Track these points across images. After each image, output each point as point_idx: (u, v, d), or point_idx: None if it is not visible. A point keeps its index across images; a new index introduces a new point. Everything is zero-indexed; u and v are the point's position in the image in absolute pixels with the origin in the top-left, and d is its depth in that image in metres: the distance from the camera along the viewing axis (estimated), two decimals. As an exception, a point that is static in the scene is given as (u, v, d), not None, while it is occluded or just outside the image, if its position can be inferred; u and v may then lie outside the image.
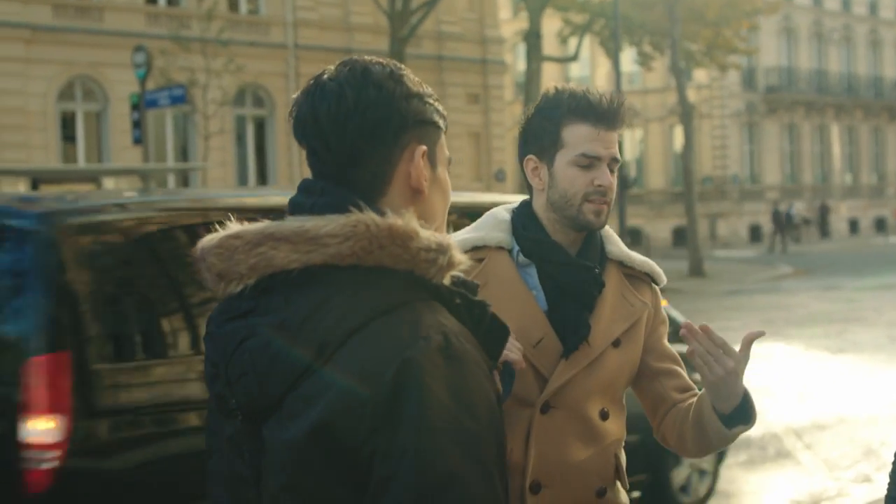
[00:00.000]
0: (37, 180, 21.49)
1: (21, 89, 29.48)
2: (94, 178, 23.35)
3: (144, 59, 24.99)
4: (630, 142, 56.97)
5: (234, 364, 1.80)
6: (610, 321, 2.96)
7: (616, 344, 2.97)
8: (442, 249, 1.81)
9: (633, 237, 46.80)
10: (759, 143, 58.06)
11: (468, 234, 3.02)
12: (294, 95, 1.95)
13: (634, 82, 55.94)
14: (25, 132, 29.51)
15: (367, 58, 1.94)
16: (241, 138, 34.81)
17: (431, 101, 1.95)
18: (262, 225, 1.82)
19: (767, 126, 58.31)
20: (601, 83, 54.19)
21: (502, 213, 3.07)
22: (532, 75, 33.31)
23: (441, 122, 1.97)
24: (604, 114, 2.90)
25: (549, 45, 41.95)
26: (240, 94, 33.84)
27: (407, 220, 1.80)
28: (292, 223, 1.80)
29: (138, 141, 25.43)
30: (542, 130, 2.96)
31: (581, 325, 2.91)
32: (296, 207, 1.88)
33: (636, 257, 3.07)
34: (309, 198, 1.87)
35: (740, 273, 35.01)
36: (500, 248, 2.98)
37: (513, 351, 2.68)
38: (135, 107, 25.51)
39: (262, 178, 35.09)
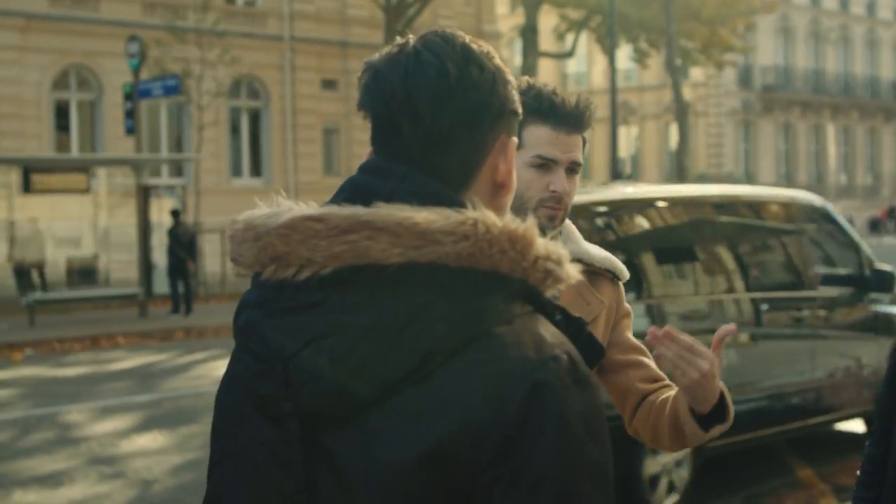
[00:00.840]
0: (28, 169, 21.41)
1: (16, 78, 29.40)
2: (86, 167, 23.25)
3: (138, 49, 24.94)
4: (626, 139, 56.95)
5: (301, 364, 1.56)
6: None
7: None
8: (559, 261, 1.63)
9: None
10: (754, 142, 58.11)
11: None
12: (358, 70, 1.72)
13: (631, 79, 56.00)
14: (20, 121, 29.43)
15: (451, 31, 1.72)
16: (235, 129, 34.73)
17: (517, 88, 1.76)
18: (353, 210, 1.57)
19: (763, 125, 58.33)
20: (597, 79, 54.25)
21: None
22: (528, 71, 33.23)
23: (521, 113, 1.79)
24: (565, 117, 2.85)
25: (546, 41, 41.92)
26: (235, 86, 33.74)
27: (527, 226, 1.60)
28: (394, 212, 1.55)
29: (131, 131, 25.35)
30: None
31: None
32: (363, 191, 1.63)
33: (596, 254, 3.03)
34: (386, 182, 1.63)
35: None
36: None
37: None
38: (128, 97, 25.43)
39: (256, 170, 35.02)
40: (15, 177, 21.98)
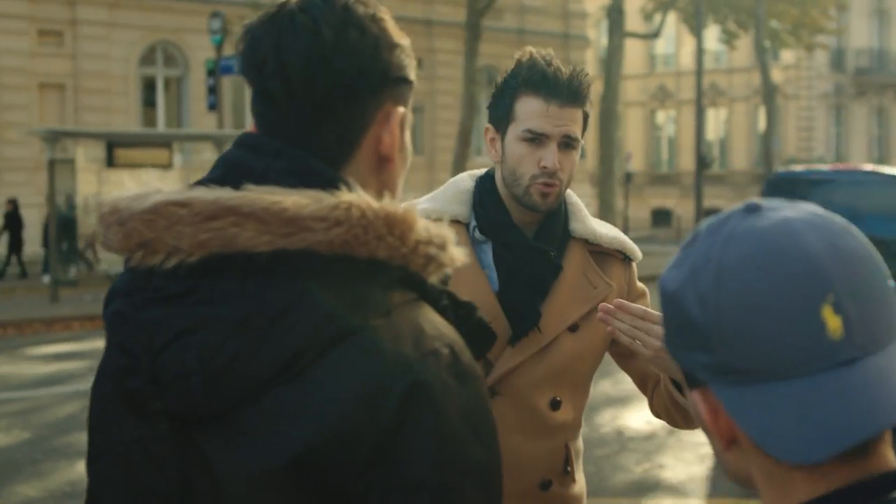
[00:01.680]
0: (112, 144, 21.66)
1: (104, 53, 29.77)
2: (168, 143, 23.47)
3: (220, 26, 25.12)
4: (714, 121, 56.29)
5: (168, 360, 1.45)
6: (566, 305, 2.80)
7: (573, 329, 2.80)
8: (442, 244, 1.52)
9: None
10: (846, 126, 57.08)
11: (426, 203, 2.86)
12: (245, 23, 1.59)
13: (720, 61, 55.28)
14: (107, 96, 29.81)
15: None
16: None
17: (409, 52, 1.62)
18: (219, 193, 1.45)
19: (856, 108, 57.26)
20: (685, 61, 53.67)
21: (465, 183, 2.91)
22: (614, 51, 32.95)
23: (415, 80, 1.65)
24: (557, 88, 2.71)
25: (633, 21, 41.49)
26: (320, 63, 33.85)
27: (406, 208, 1.50)
28: (262, 197, 1.44)
29: (213, 107, 25.58)
30: (499, 100, 2.80)
31: (530, 311, 2.76)
32: (237, 168, 1.52)
33: (604, 234, 2.88)
34: (259, 158, 1.52)
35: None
36: (457, 221, 2.81)
37: None
38: (210, 73, 25.66)
39: (340, 148, 35.13)
40: (101, 152, 22.24)
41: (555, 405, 2.79)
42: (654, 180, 57.17)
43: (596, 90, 35.57)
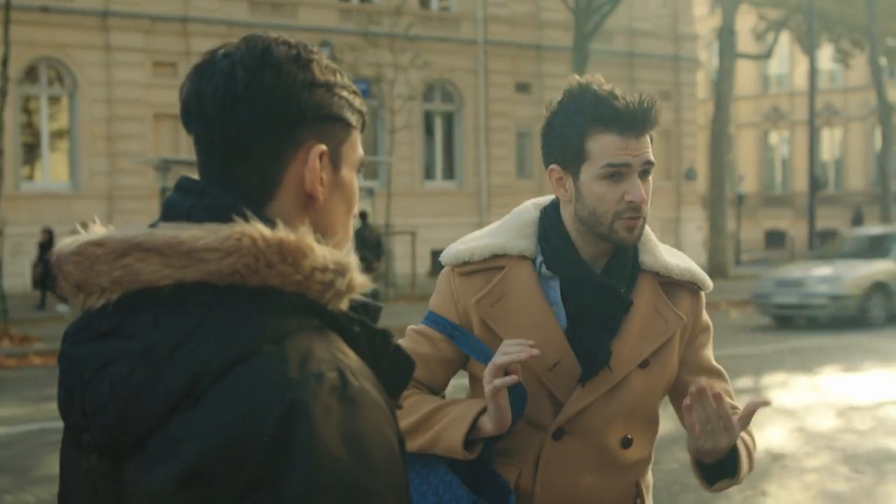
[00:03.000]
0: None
1: (216, 83, 30.28)
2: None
3: (329, 54, 25.43)
4: (829, 141, 55.39)
5: (90, 393, 1.51)
6: (637, 342, 2.71)
7: (643, 365, 2.72)
8: (341, 270, 1.55)
9: (827, 240, 45.37)
10: (967, 145, 55.68)
11: (488, 238, 2.79)
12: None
13: (835, 80, 54.43)
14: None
15: (274, 35, 1.65)
16: (429, 132, 35.07)
17: (345, 93, 1.65)
18: (130, 232, 1.53)
19: (976, 127, 55.86)
20: (799, 81, 52.90)
21: (529, 214, 2.82)
22: (725, 73, 32.66)
23: (353, 119, 1.67)
24: (632, 121, 2.60)
25: (745, 42, 41.11)
26: (429, 89, 34.13)
27: (301, 235, 1.53)
28: (165, 232, 1.51)
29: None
30: (564, 139, 2.67)
31: (600, 349, 2.67)
32: (171, 210, 1.59)
33: (675, 266, 2.78)
34: (187, 199, 1.59)
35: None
36: (523, 256, 2.75)
37: (512, 354, 2.50)
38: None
39: (449, 173, 35.27)
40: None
41: (626, 443, 2.73)
42: (768, 202, 56.38)
43: (707, 112, 35.30)
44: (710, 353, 2.86)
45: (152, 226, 1.57)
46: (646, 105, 2.62)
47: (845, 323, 20.79)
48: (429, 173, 34.88)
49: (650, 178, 2.68)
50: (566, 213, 2.74)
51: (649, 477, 2.86)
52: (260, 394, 1.43)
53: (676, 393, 2.83)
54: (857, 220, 49.84)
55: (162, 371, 1.46)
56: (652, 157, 2.66)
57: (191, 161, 23.71)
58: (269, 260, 1.49)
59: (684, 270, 2.79)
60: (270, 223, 1.54)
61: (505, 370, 2.52)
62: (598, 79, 2.69)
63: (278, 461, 1.41)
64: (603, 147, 2.61)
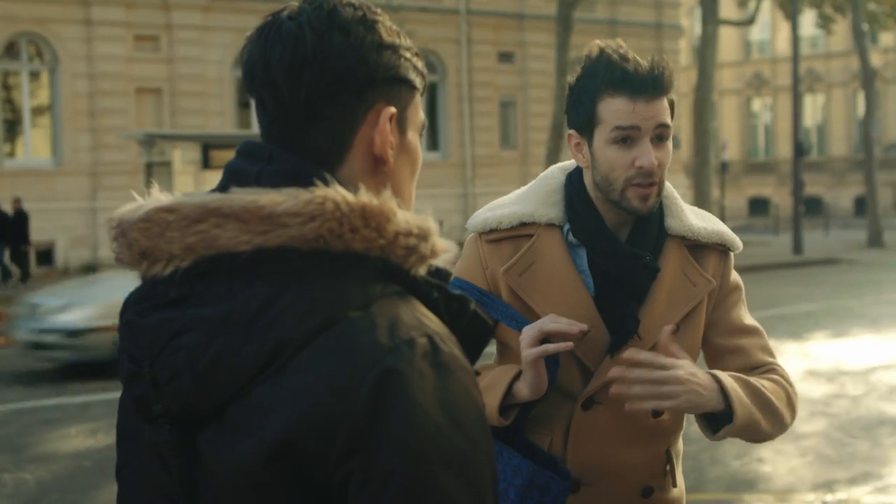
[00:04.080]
0: (207, 146, 21.90)
1: (199, 56, 30.14)
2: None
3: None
4: (811, 107, 55.46)
5: (163, 363, 1.49)
6: (666, 309, 2.69)
7: (673, 331, 2.65)
8: (423, 235, 1.52)
9: (812, 206, 45.58)
10: (949, 109, 55.84)
11: (516, 205, 2.77)
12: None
13: (817, 46, 54.47)
14: (203, 99, 30.17)
15: None
16: (412, 104, 34.89)
17: (409, 55, 1.64)
18: (203, 197, 1.50)
19: (958, 91, 56.00)
20: (781, 47, 52.95)
21: (556, 180, 2.80)
22: (708, 39, 32.55)
23: (418, 81, 1.66)
24: (641, 83, 2.57)
25: (727, 8, 41.05)
26: (412, 60, 33.96)
27: (384, 198, 1.50)
28: (242, 197, 1.48)
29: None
30: (579, 103, 2.66)
31: (628, 318, 2.65)
32: (236, 175, 1.56)
33: (702, 229, 2.75)
34: (254, 164, 1.56)
35: (923, 244, 33.76)
36: (551, 224, 2.73)
37: (562, 325, 2.51)
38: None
39: (434, 143, 35.19)
40: (196, 154, 22.49)
41: (657, 412, 2.70)
42: (751, 169, 56.51)
43: (690, 79, 35.27)
44: (742, 312, 2.82)
45: (218, 191, 1.55)
46: (656, 68, 2.60)
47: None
48: (412, 144, 34.73)
49: (668, 143, 2.64)
50: (587, 181, 2.73)
51: (679, 445, 2.85)
52: (351, 362, 1.41)
53: (710, 356, 2.82)
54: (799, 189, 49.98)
55: (243, 339, 1.44)
56: (667, 120, 2.62)
57: (175, 135, 23.63)
58: (353, 224, 1.47)
59: (712, 233, 2.77)
60: (344, 184, 1.52)
61: (545, 339, 2.53)
62: (618, 43, 2.67)
63: (374, 430, 1.39)
64: (613, 110, 2.60)
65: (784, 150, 51.75)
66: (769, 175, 55.01)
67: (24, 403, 11.73)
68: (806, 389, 11.52)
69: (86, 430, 10.35)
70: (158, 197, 1.57)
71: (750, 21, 38.58)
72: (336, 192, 1.48)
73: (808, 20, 45.98)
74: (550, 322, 2.53)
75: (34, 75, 29.18)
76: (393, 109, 1.60)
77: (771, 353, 2.81)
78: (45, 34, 28.37)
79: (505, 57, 35.97)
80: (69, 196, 27.66)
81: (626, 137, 2.59)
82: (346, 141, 1.58)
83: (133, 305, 1.58)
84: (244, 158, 1.59)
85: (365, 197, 1.49)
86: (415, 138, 1.67)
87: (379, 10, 1.63)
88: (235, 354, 1.44)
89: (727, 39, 52.58)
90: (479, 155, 34.89)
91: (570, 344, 2.51)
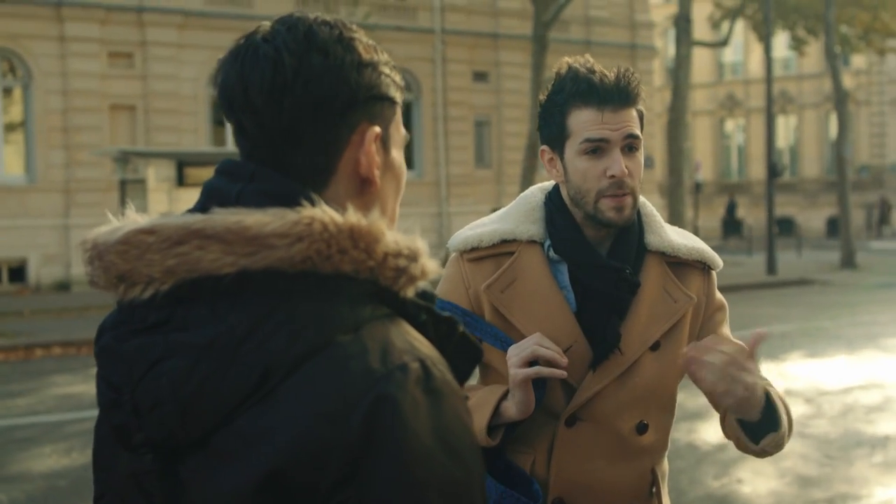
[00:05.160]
0: (182, 163, 21.84)
1: (173, 74, 30.04)
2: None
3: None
4: (784, 129, 55.76)
5: (145, 390, 1.43)
6: (647, 324, 2.68)
7: (655, 347, 2.68)
8: (413, 255, 1.49)
9: (784, 227, 45.78)
10: (919, 131, 56.22)
11: (497, 223, 2.76)
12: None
13: (790, 68, 54.84)
14: (177, 116, 30.07)
15: (311, 16, 1.58)
16: (387, 123, 34.88)
17: (388, 70, 1.60)
18: (185, 218, 1.45)
19: (929, 113, 56.42)
20: (754, 68, 53.24)
21: (535, 198, 2.81)
22: (682, 61, 32.68)
23: (398, 96, 1.62)
24: (608, 93, 2.59)
25: (701, 30, 41.28)
26: (387, 79, 33.98)
27: (372, 219, 1.47)
28: (226, 217, 1.43)
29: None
30: (549, 118, 2.69)
31: (609, 332, 2.65)
32: (216, 195, 1.51)
33: (682, 245, 2.76)
34: (234, 183, 1.51)
35: (895, 265, 33.90)
36: (532, 241, 2.73)
37: (551, 350, 2.52)
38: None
39: (408, 162, 35.12)
40: (171, 171, 22.43)
41: (641, 429, 2.70)
42: (724, 189, 56.71)
43: (664, 100, 35.41)
44: (727, 330, 2.82)
45: (198, 211, 1.49)
46: (622, 79, 2.62)
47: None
48: (386, 163, 34.69)
49: (638, 154, 2.65)
50: (565, 195, 2.74)
51: (665, 464, 2.83)
52: (343, 388, 1.37)
53: None
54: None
55: (228, 364, 1.39)
56: (635, 131, 2.63)
57: (150, 152, 23.56)
58: (342, 245, 1.43)
59: (692, 250, 2.77)
60: (336, 208, 1.48)
61: (532, 361, 2.52)
62: (586, 59, 2.68)
63: (368, 458, 1.35)
64: (582, 122, 2.62)
65: (757, 170, 52.02)
66: (742, 195, 55.23)
67: (-4, 422, 11.60)
68: (783, 410, 11.49)
69: (60, 449, 10.23)
70: (135, 218, 1.52)
71: (723, 43, 38.76)
72: (324, 213, 1.44)
73: (780, 42, 46.28)
74: (538, 345, 2.53)
75: (7, 91, 29.01)
76: (378, 129, 1.57)
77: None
78: (18, 50, 28.22)
79: (480, 76, 36.01)
80: (42, 213, 27.47)
81: (595, 148, 2.61)
82: (330, 164, 1.54)
83: (110, 330, 1.53)
84: (224, 177, 1.54)
85: (353, 217, 1.45)
86: (399, 155, 1.64)
87: (355, 27, 1.60)
88: (221, 381, 1.39)
89: (701, 61, 52.86)
90: (453, 174, 34.87)
91: (563, 372, 2.51)
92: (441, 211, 33.45)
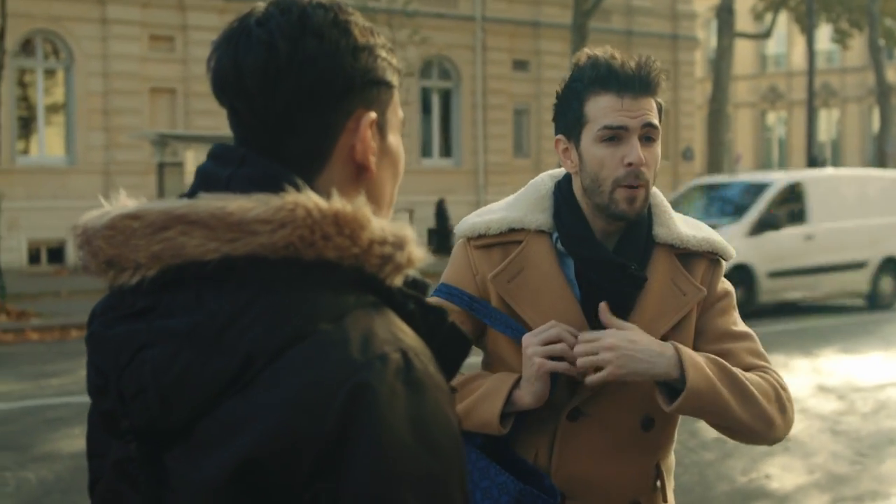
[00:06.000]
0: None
1: (213, 58, 30.13)
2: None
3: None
4: (826, 122, 55.35)
5: (129, 377, 1.43)
6: (654, 318, 2.63)
7: (662, 341, 2.61)
8: (399, 243, 1.46)
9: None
10: (963, 127, 55.69)
11: (505, 210, 2.73)
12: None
13: (833, 61, 54.41)
14: (216, 100, 30.13)
15: None
16: (426, 110, 34.94)
17: (384, 53, 1.56)
18: (169, 203, 1.44)
19: (974, 109, 55.84)
20: (797, 61, 52.85)
21: (545, 186, 2.76)
22: (723, 52, 32.53)
23: (395, 79, 1.58)
24: (629, 80, 2.55)
25: (743, 21, 41.01)
26: (427, 66, 33.99)
27: (357, 205, 1.44)
28: (209, 203, 1.42)
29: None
30: (567, 106, 2.65)
31: None
32: (207, 179, 1.50)
33: (691, 237, 2.70)
34: (225, 167, 1.49)
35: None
36: (540, 231, 2.69)
37: (566, 335, 2.50)
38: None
39: (446, 151, 35.16)
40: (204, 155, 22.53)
41: (647, 424, 2.66)
42: (765, 182, 56.34)
43: (705, 91, 35.16)
44: (730, 318, 2.74)
45: (188, 196, 1.48)
46: (644, 68, 2.58)
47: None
48: (426, 151, 34.72)
49: (656, 146, 2.62)
50: (576, 187, 2.70)
51: (671, 459, 2.78)
52: (321, 377, 1.35)
53: None
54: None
55: (210, 352, 1.38)
56: (654, 120, 2.59)
57: (188, 136, 23.68)
58: (326, 232, 1.41)
59: (702, 241, 2.72)
60: (323, 193, 1.45)
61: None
62: (607, 49, 2.64)
63: (343, 449, 1.33)
64: (601, 108, 2.57)
65: (798, 163, 51.62)
66: (782, 189, 54.91)
67: (30, 402, 11.70)
68: (816, 405, 11.46)
69: (90, 429, 10.31)
70: (125, 203, 1.50)
71: (766, 35, 38.54)
72: (308, 199, 1.42)
73: (824, 35, 45.89)
74: (557, 333, 2.53)
75: (49, 73, 29.23)
76: (374, 115, 1.54)
77: (762, 357, 2.73)
78: (60, 32, 28.42)
79: (520, 65, 35.95)
80: (81, 195, 27.62)
81: (614, 136, 2.57)
82: (325, 150, 1.52)
83: (100, 316, 1.52)
84: (215, 161, 1.52)
85: (338, 203, 1.43)
86: (396, 140, 1.61)
87: (349, 9, 1.56)
88: (202, 369, 1.38)
89: (743, 52, 52.50)
90: (491, 162, 34.85)
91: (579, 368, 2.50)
92: (479, 199, 33.39)
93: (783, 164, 57.25)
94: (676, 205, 17.62)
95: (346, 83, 1.50)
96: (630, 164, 2.55)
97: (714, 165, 30.36)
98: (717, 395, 2.51)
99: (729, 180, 21.60)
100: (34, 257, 27.68)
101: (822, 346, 15.81)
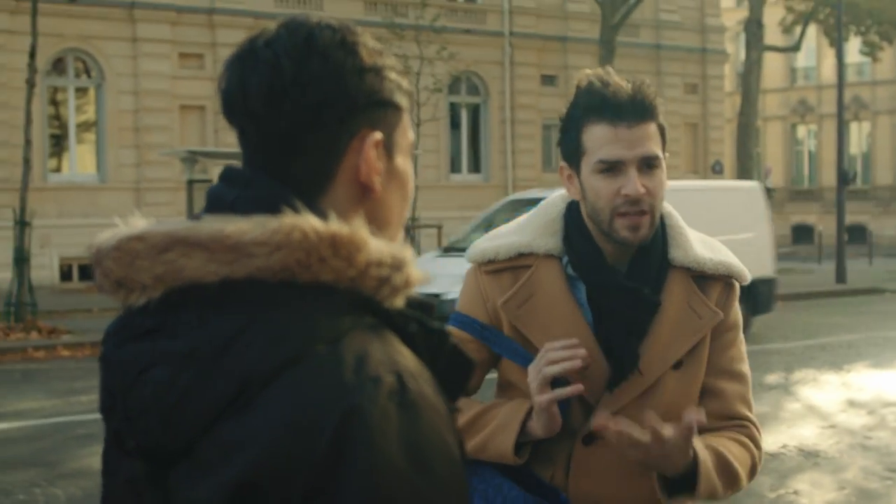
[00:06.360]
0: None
1: (243, 75, 30.30)
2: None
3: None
4: (857, 135, 55.08)
5: (133, 397, 1.44)
6: (669, 343, 2.60)
7: (677, 366, 2.60)
8: (397, 264, 1.46)
9: (856, 235, 45.17)
10: None
11: (514, 235, 2.70)
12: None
13: (863, 73, 54.12)
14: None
15: (314, 19, 1.55)
16: (455, 125, 34.98)
17: (393, 74, 1.57)
18: (172, 225, 1.45)
19: None
20: (827, 74, 52.65)
21: (556, 209, 2.73)
22: (752, 66, 32.48)
23: (404, 101, 1.58)
24: (621, 108, 2.49)
25: (772, 35, 40.85)
26: (455, 82, 34.01)
27: (355, 227, 1.44)
28: (209, 225, 1.42)
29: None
30: (566, 134, 2.61)
31: (627, 354, 2.57)
32: (214, 201, 1.51)
33: (708, 260, 2.65)
34: (232, 189, 1.50)
35: (968, 274, 33.35)
36: (550, 255, 2.66)
37: (563, 363, 2.45)
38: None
39: (475, 166, 35.18)
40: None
41: None
42: (795, 196, 56.15)
43: (734, 105, 35.07)
44: (734, 354, 2.71)
45: (195, 218, 1.49)
46: (638, 94, 2.52)
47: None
48: (455, 166, 34.77)
49: (658, 171, 2.55)
50: (584, 212, 2.65)
51: None
52: (314, 400, 1.35)
53: (701, 395, 2.71)
54: (842, 217, 49.45)
55: (209, 374, 1.38)
56: (653, 150, 2.53)
57: (217, 153, 23.75)
58: (322, 254, 1.41)
59: (718, 264, 2.67)
60: (322, 214, 1.45)
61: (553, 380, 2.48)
62: (607, 70, 2.60)
63: (335, 472, 1.33)
64: (596, 139, 2.53)
65: (828, 177, 51.38)
66: (814, 202, 54.62)
67: (61, 418, 11.76)
68: (846, 420, 11.39)
69: (120, 446, 10.35)
70: (135, 223, 1.50)
71: (795, 48, 38.44)
72: (304, 221, 1.42)
73: (853, 47, 45.68)
74: (549, 366, 2.47)
75: (80, 91, 29.44)
76: (378, 135, 1.53)
77: (749, 406, 2.71)
78: (91, 51, 28.64)
79: (548, 80, 35.97)
80: (112, 212, 27.33)
81: (610, 168, 2.52)
82: (329, 170, 1.52)
83: (112, 336, 1.53)
84: (225, 183, 1.53)
85: (335, 225, 1.43)
86: (404, 162, 1.60)
87: (359, 30, 1.57)
88: (202, 390, 1.39)
89: (773, 65, 52.34)
90: (520, 177, 34.84)
91: (580, 387, 2.45)
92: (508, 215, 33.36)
93: (813, 177, 56.98)
94: (490, 220, 17.35)
95: (351, 103, 1.51)
96: (627, 196, 2.50)
97: (743, 179, 30.23)
98: (714, 493, 2.53)
99: (543, 195, 21.04)
100: (66, 274, 27.83)
101: (854, 360, 15.71)
